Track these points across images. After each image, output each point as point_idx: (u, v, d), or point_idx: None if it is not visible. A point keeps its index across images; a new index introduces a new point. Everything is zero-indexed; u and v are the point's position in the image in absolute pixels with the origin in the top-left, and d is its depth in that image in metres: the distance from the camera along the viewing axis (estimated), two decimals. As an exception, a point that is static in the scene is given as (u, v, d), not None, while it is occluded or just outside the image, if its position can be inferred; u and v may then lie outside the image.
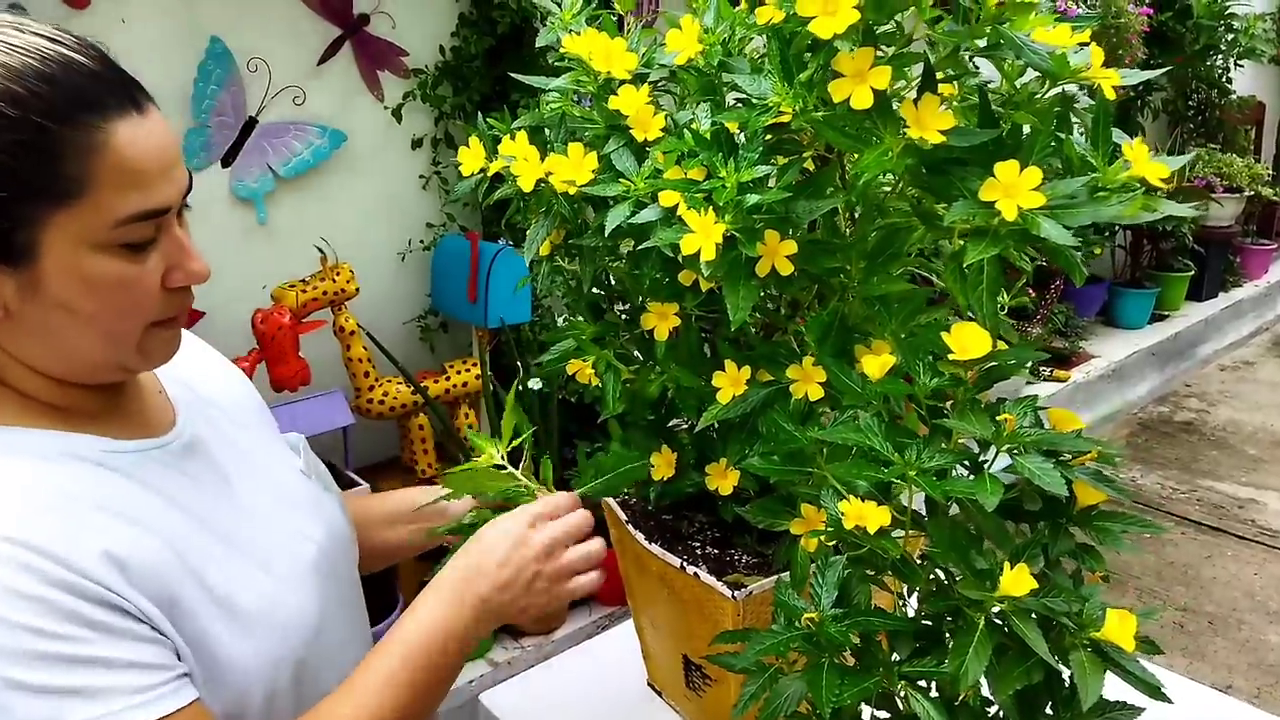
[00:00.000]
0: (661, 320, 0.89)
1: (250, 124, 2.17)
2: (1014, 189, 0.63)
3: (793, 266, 0.73)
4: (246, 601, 0.70)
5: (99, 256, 0.61)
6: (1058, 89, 0.73)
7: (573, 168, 0.80)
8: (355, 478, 2.12)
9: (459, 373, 2.29)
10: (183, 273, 0.67)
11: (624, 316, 0.98)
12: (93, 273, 0.62)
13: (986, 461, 0.65)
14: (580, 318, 0.98)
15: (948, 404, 0.69)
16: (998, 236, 0.65)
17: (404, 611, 0.76)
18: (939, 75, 0.71)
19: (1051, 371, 3.81)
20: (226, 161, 2.15)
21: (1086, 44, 0.71)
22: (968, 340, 0.66)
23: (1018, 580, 0.58)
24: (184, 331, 0.84)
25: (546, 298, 2.45)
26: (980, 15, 0.64)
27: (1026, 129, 0.69)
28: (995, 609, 0.60)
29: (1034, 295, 3.74)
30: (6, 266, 0.60)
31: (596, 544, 0.83)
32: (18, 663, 0.57)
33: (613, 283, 0.99)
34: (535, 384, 2.22)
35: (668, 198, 0.72)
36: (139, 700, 0.60)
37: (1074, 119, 0.74)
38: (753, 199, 0.69)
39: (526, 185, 0.82)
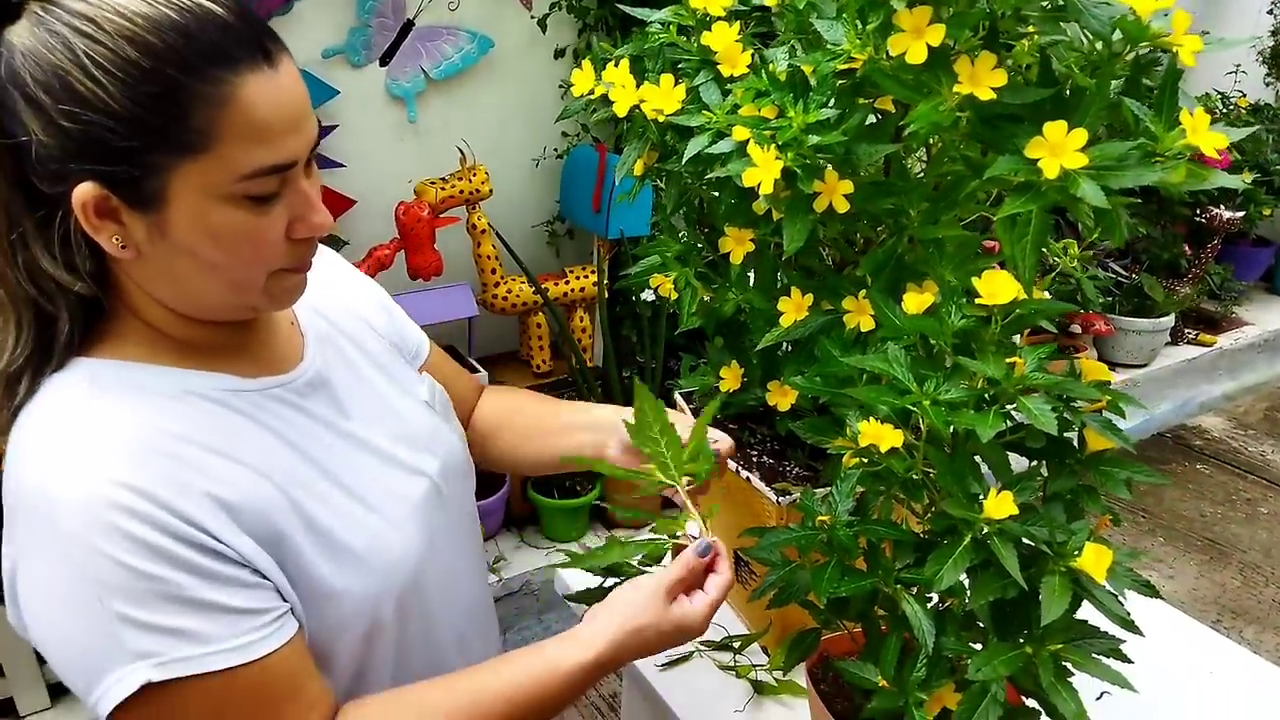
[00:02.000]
0: (737, 244, 0.96)
1: (407, 26, 2.29)
2: (1059, 148, 0.66)
3: (849, 205, 0.78)
4: (352, 541, 0.71)
5: (224, 208, 0.62)
6: (1148, 51, 0.75)
7: (663, 97, 0.87)
8: (476, 365, 2.30)
9: (578, 278, 2.41)
10: (305, 225, 0.67)
11: (705, 239, 1.05)
12: (217, 223, 0.63)
13: (1000, 399, 0.71)
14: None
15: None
16: (1039, 193, 0.69)
17: (539, 646, 0.75)
18: (1030, 31, 0.74)
19: (1196, 335, 3.62)
20: (384, 61, 2.29)
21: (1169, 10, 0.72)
22: (997, 286, 0.71)
23: (1000, 505, 0.65)
24: (321, 248, 0.83)
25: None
26: (1043, -22, 0.67)
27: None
28: (984, 530, 0.67)
29: (1190, 253, 3.53)
30: (137, 210, 0.62)
31: (718, 586, 0.77)
32: (125, 599, 0.60)
33: (699, 206, 1.07)
34: (648, 295, 2.32)
35: (739, 132, 0.79)
36: (238, 643, 0.63)
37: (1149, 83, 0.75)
38: (813, 139, 0.75)
39: (621, 110, 0.90)
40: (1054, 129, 0.66)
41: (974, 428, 0.66)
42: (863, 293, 0.86)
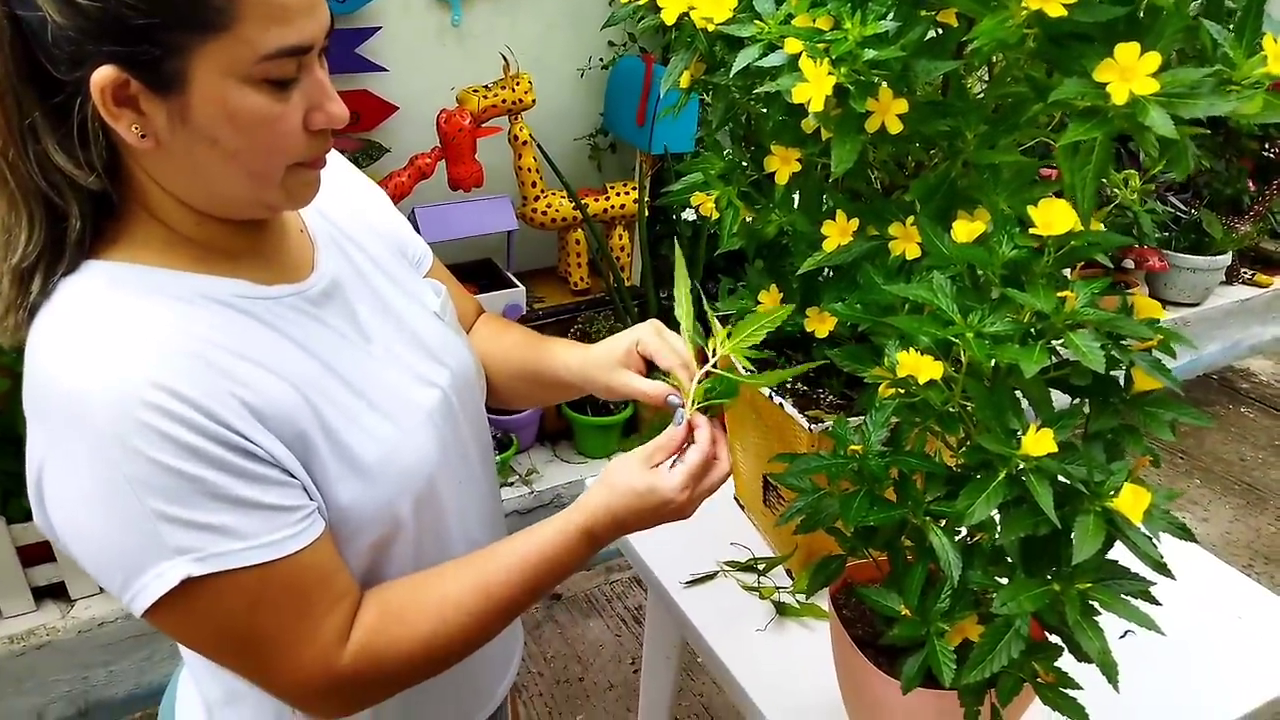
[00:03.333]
0: (783, 164, 0.93)
1: (453, -76, 2.23)
2: (1130, 72, 0.63)
3: (903, 125, 0.75)
4: (367, 448, 0.72)
5: (244, 90, 0.62)
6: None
7: (713, 4, 0.83)
8: (513, 279, 2.29)
9: (618, 194, 2.38)
10: (323, 114, 0.67)
11: (750, 157, 1.02)
12: (238, 107, 0.62)
13: (1047, 334, 0.69)
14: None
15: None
16: (1104, 119, 0.65)
17: (533, 528, 0.79)
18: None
19: (1252, 275, 3.51)
20: (428, -40, 2.23)
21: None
22: (1054, 216, 0.68)
23: (1039, 442, 0.63)
24: (334, 155, 0.84)
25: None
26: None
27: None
28: (1020, 466, 0.66)
29: (1254, 189, 3.40)
30: (157, 94, 0.61)
31: (720, 472, 0.81)
32: (162, 496, 0.61)
33: (746, 123, 1.03)
34: (689, 215, 2.28)
35: (791, 45, 0.75)
36: (273, 538, 0.65)
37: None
38: (869, 54, 0.72)
39: (669, 18, 0.86)
40: (1126, 51, 0.62)
41: (1018, 362, 0.64)
42: (910, 219, 0.83)
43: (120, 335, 0.63)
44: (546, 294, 2.46)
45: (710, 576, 1.16)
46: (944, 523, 0.73)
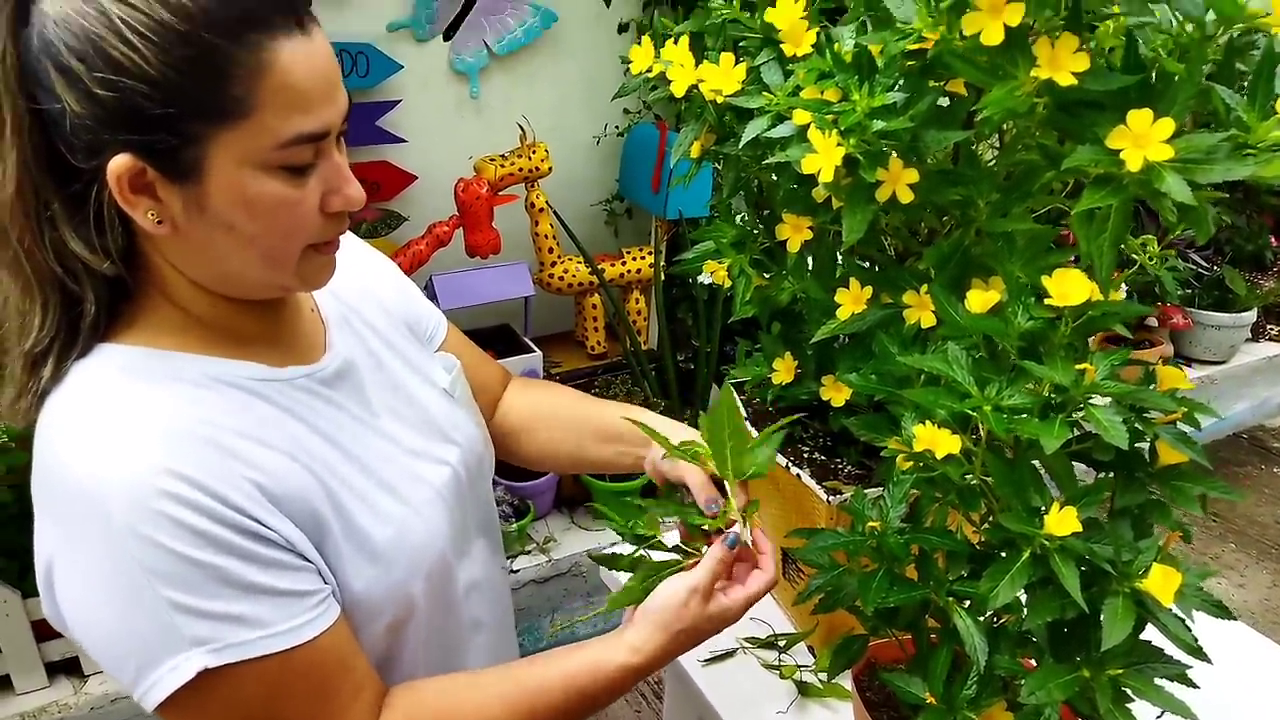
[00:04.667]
0: (795, 232, 0.92)
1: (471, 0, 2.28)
2: (1144, 138, 0.62)
3: (914, 194, 0.74)
4: (378, 530, 0.71)
5: (261, 177, 0.62)
6: (1241, 33, 0.70)
7: (721, 76, 0.84)
8: (531, 344, 2.29)
9: (634, 259, 2.39)
10: (340, 197, 0.66)
11: (762, 224, 1.02)
12: (255, 193, 0.62)
13: (1067, 407, 0.67)
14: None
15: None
16: (1120, 186, 0.64)
17: (585, 645, 0.77)
18: (1115, 12, 0.69)
19: (1279, 331, 3.45)
20: (448, 35, 2.28)
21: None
22: (1069, 286, 0.66)
23: (1062, 520, 0.61)
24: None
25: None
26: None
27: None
28: (1044, 546, 0.63)
29: (1276, 245, 3.36)
30: (174, 182, 0.61)
31: (760, 583, 0.79)
32: (178, 586, 0.60)
33: (758, 190, 1.03)
34: (705, 279, 2.28)
35: (800, 116, 0.75)
36: (290, 625, 0.63)
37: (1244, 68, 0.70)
38: (878, 124, 0.71)
39: (678, 90, 0.87)
40: (1138, 118, 0.62)
41: (1037, 437, 0.62)
42: (925, 287, 0.82)
43: (132, 423, 0.62)
44: (564, 358, 2.46)
45: (730, 654, 1.13)
46: (968, 603, 0.70)
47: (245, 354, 0.70)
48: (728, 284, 1.02)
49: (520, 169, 2.18)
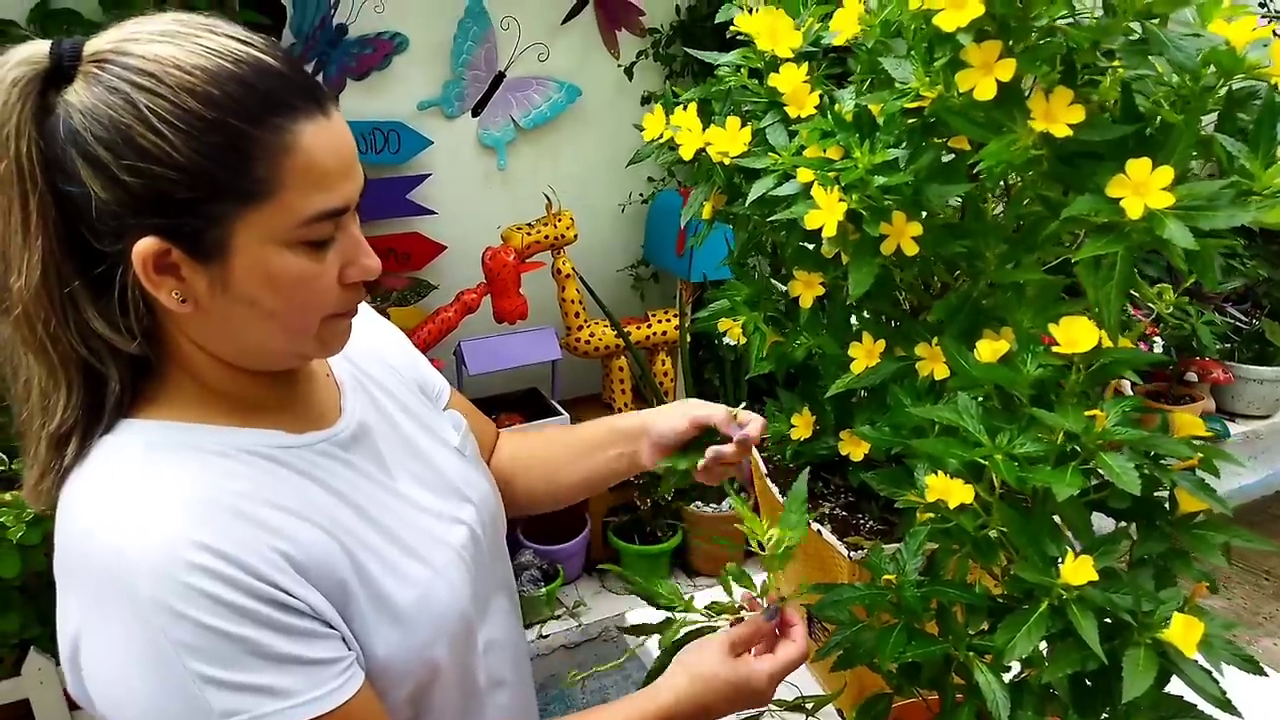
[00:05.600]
0: (807, 288, 0.93)
1: (499, 78, 2.36)
2: (1144, 186, 0.62)
3: (919, 248, 0.75)
4: (402, 594, 0.71)
5: (284, 254, 0.63)
6: (1242, 84, 0.70)
7: (729, 139, 0.86)
8: (558, 407, 2.31)
9: (660, 321, 2.41)
10: (358, 268, 0.68)
11: (778, 281, 1.03)
12: (278, 270, 0.63)
13: (1079, 455, 0.66)
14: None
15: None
16: (1122, 234, 0.64)
17: (615, 703, 0.78)
18: (1114, 65, 0.70)
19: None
20: (476, 111, 2.36)
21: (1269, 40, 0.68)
22: (1076, 334, 0.66)
23: (1078, 570, 0.60)
24: None
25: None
26: (1123, 9, 0.63)
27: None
28: (1062, 597, 0.62)
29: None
30: (199, 263, 0.62)
31: (789, 653, 0.80)
32: (207, 660, 0.59)
33: (772, 250, 1.05)
34: (731, 340, 2.29)
35: (804, 174, 0.77)
36: (319, 693, 0.63)
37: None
38: (879, 180, 0.73)
39: (687, 154, 0.89)
40: (1137, 166, 0.62)
41: (1050, 485, 0.62)
42: (936, 339, 0.82)
43: (157, 495, 0.63)
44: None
45: (757, 717, 1.10)
46: (989, 658, 0.68)
47: (266, 422, 0.71)
48: (742, 341, 1.03)
49: (546, 236, 2.23)
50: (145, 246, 0.60)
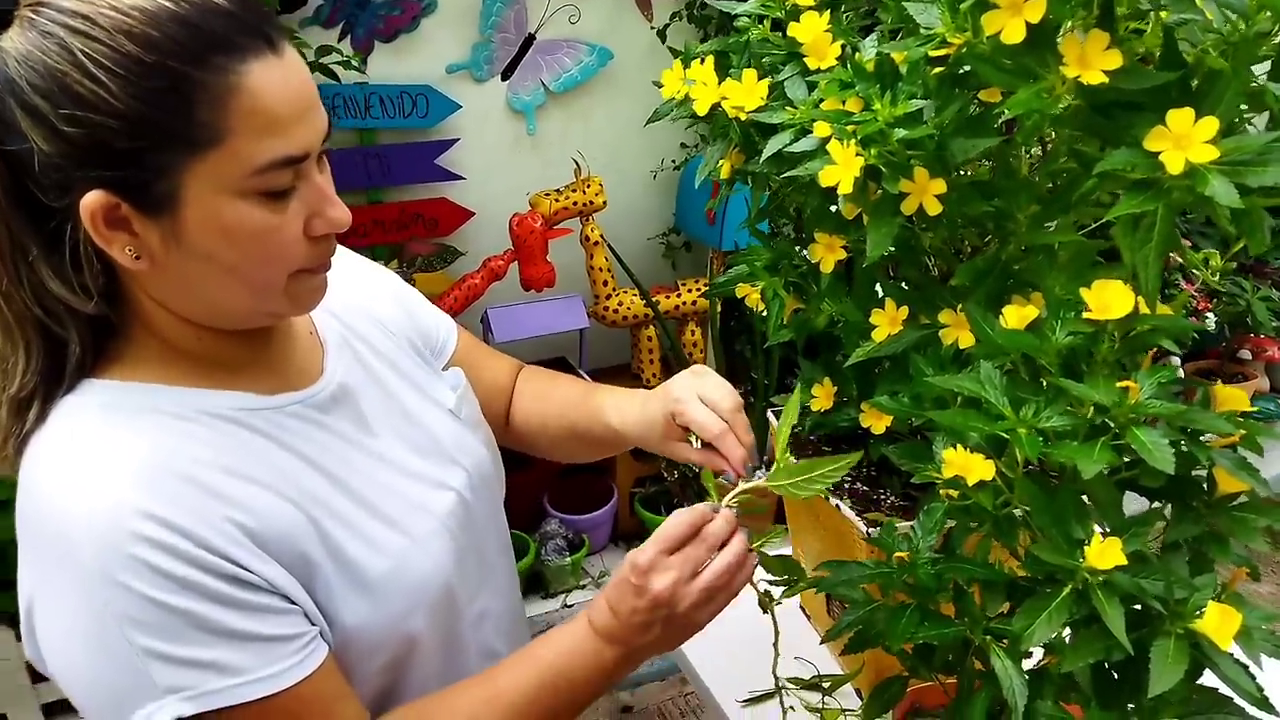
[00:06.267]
0: (828, 251, 0.89)
1: (529, 41, 2.31)
2: (1185, 139, 0.57)
3: (942, 207, 0.71)
4: (374, 563, 0.69)
5: (238, 205, 0.59)
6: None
7: (745, 93, 0.82)
8: (586, 377, 2.28)
9: (690, 291, 2.37)
10: (324, 220, 0.64)
11: (799, 245, 0.98)
12: (232, 222, 0.59)
13: (1110, 429, 0.62)
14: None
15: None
16: (1161, 191, 0.59)
17: (546, 639, 0.74)
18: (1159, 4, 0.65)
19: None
20: (505, 75, 2.32)
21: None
22: (1109, 298, 0.62)
23: (1105, 553, 0.56)
24: (339, 248, 0.81)
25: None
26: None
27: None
28: (1086, 581, 0.58)
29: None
30: (149, 216, 0.59)
31: (727, 560, 0.72)
32: (152, 633, 0.58)
33: (796, 212, 1.00)
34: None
35: (821, 128, 0.72)
36: (270, 671, 0.61)
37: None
38: (900, 133, 0.68)
39: (701, 109, 0.85)
40: (1178, 117, 0.57)
41: (1075, 461, 0.57)
42: (961, 305, 0.77)
43: (107, 461, 0.61)
44: (621, 391, 2.44)
45: (770, 695, 1.07)
46: (1007, 642, 0.65)
47: (234, 383, 0.68)
48: (760, 308, 0.98)
49: (575, 203, 2.19)
50: (92, 201, 0.58)
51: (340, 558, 0.67)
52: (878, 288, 0.93)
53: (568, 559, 2.15)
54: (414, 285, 2.24)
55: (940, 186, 0.70)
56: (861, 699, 1.06)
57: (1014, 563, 0.71)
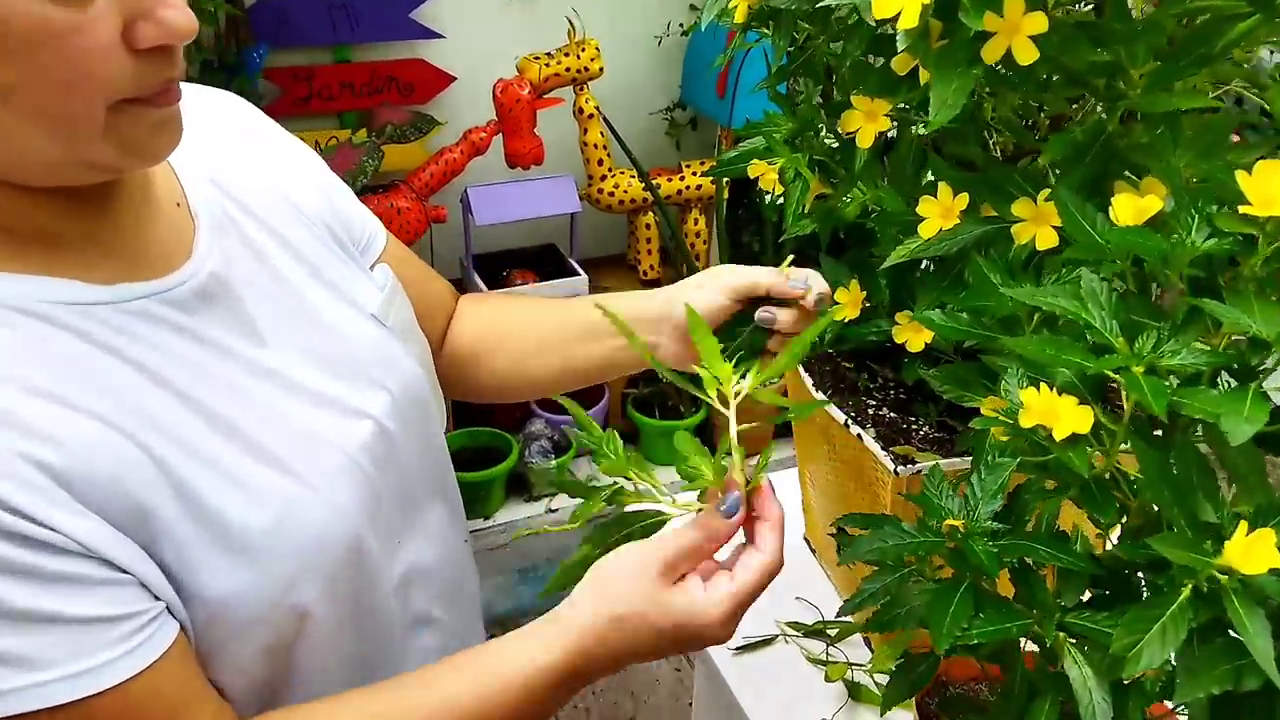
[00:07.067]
0: (868, 120, 0.71)
1: (521, -123, 2.04)
2: None
3: (1037, 53, 0.52)
4: (249, 515, 0.54)
5: None
6: None
7: (770, -101, 0.61)
8: (576, 267, 2.10)
9: (695, 174, 2.16)
10: (154, 24, 0.46)
11: (829, 114, 0.79)
12: (2, 19, 0.42)
13: (1264, 373, 0.45)
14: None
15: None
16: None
17: (495, 644, 0.58)
18: None
19: None
20: (494, -83, 2.06)
21: None
22: (1274, 188, 0.44)
23: (1254, 549, 0.40)
24: (235, 98, 0.67)
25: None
26: None
27: None
28: (1216, 583, 0.42)
29: None
30: None
31: (751, 573, 0.56)
32: None
33: (826, 72, 0.81)
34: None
35: (875, -61, 0.52)
36: (85, 666, 0.47)
37: None
38: (990, -56, 0.48)
39: (711, -79, 0.64)
40: None
41: (1217, 417, 0.41)
42: (1044, 193, 0.59)
43: None
44: (613, 284, 2.26)
45: (768, 641, 0.94)
46: (1086, 643, 0.49)
47: (51, 267, 0.51)
48: (779, 191, 0.80)
49: (567, 69, 1.97)
50: None
51: (199, 508, 0.52)
52: (925, 171, 0.75)
53: (553, 461, 2.02)
54: (384, 157, 2.00)
55: (1039, 23, 0.50)
56: (871, 650, 0.92)
57: (1091, 532, 0.55)
